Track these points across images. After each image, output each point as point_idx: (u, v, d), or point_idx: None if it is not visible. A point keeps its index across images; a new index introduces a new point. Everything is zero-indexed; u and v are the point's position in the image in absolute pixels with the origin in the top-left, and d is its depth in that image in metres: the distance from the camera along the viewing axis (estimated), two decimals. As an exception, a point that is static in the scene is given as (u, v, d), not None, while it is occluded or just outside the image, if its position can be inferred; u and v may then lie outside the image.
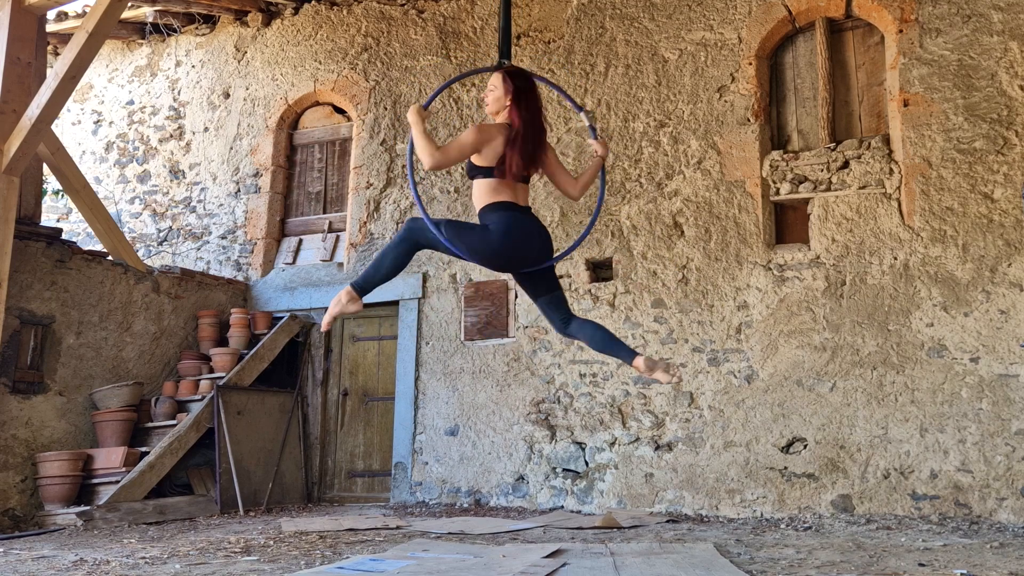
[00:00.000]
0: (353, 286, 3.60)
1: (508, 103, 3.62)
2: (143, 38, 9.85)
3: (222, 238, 9.00)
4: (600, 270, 7.30)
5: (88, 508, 6.25)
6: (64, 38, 8.91)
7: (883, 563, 4.12)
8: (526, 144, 3.57)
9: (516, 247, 3.54)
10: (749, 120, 6.91)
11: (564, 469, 6.99)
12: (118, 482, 6.49)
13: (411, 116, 3.61)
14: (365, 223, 8.31)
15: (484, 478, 7.26)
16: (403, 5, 8.61)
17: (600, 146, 3.87)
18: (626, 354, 3.57)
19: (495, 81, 3.68)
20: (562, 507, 6.91)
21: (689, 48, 7.24)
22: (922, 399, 6.00)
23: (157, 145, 9.62)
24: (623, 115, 7.36)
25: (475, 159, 3.59)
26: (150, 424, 7.18)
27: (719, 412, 6.57)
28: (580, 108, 4.10)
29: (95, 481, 6.56)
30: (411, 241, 3.60)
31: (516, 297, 7.45)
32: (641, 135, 7.27)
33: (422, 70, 8.36)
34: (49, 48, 8.79)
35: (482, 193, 3.60)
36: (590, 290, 7.20)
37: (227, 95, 9.34)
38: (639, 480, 6.72)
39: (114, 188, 9.72)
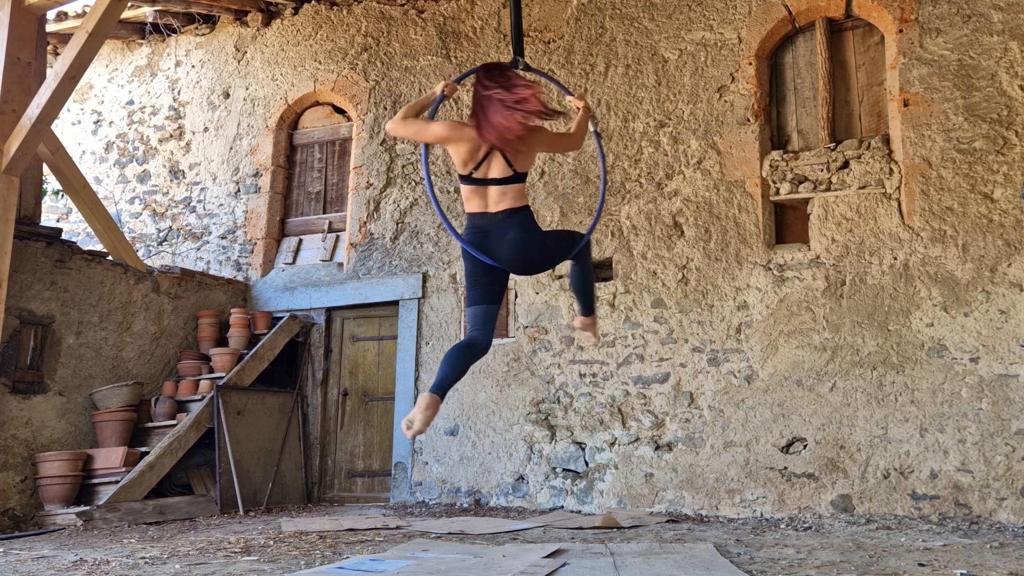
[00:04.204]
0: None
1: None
2: (143, 38, 9.85)
3: (222, 238, 9.00)
4: (600, 270, 7.28)
5: (88, 508, 6.25)
6: (64, 38, 8.91)
7: (883, 563, 4.12)
8: (484, 131, 3.34)
9: (485, 254, 3.38)
10: (749, 120, 6.91)
11: (564, 469, 6.99)
12: (118, 482, 6.49)
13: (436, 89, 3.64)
14: (365, 223, 8.30)
15: (484, 478, 7.26)
16: (403, 5, 8.61)
17: (577, 99, 3.78)
18: (580, 308, 3.93)
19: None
20: (562, 507, 6.91)
21: (689, 48, 7.24)
22: (922, 399, 6.00)
23: (157, 145, 9.62)
24: (623, 115, 7.36)
25: (458, 166, 3.46)
26: (150, 424, 7.18)
27: (719, 412, 6.57)
28: (568, 92, 3.99)
29: (95, 481, 6.56)
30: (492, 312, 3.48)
31: (516, 297, 7.45)
32: (641, 135, 7.26)
33: (422, 70, 8.36)
34: (49, 48, 8.79)
35: (464, 203, 3.51)
36: (590, 290, 7.18)
37: (227, 95, 9.34)
38: (639, 480, 6.72)
39: (114, 188, 9.72)
